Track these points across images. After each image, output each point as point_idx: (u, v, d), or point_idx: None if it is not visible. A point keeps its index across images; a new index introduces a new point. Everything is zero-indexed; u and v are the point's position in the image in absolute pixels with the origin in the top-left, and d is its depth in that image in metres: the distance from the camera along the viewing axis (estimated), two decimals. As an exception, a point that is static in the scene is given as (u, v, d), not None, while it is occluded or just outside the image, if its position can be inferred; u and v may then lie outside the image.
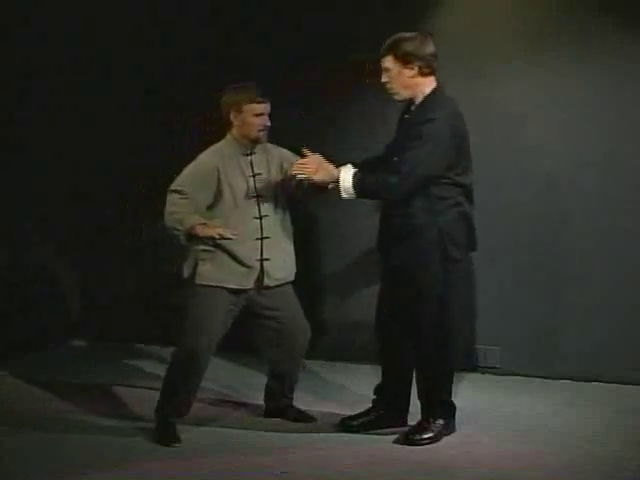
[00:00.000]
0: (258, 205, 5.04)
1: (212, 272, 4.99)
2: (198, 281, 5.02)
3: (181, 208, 4.94)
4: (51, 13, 6.52)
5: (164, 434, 4.94)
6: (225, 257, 4.99)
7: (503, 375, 6.09)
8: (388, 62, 4.88)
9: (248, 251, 5.00)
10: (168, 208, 4.97)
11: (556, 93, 5.98)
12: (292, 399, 5.32)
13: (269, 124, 5.08)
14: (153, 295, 6.73)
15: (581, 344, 5.97)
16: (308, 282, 5.70)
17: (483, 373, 6.15)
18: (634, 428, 5.16)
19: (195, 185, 4.98)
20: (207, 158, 5.08)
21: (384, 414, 5.13)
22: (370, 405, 5.18)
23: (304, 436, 5.04)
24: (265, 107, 5.06)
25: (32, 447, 4.85)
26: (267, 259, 5.03)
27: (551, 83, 5.98)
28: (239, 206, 5.01)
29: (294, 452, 4.81)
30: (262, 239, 5.03)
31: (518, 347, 6.09)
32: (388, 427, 5.09)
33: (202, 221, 4.92)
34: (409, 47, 4.84)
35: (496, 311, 6.12)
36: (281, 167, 5.13)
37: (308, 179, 4.90)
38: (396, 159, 4.81)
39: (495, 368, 6.13)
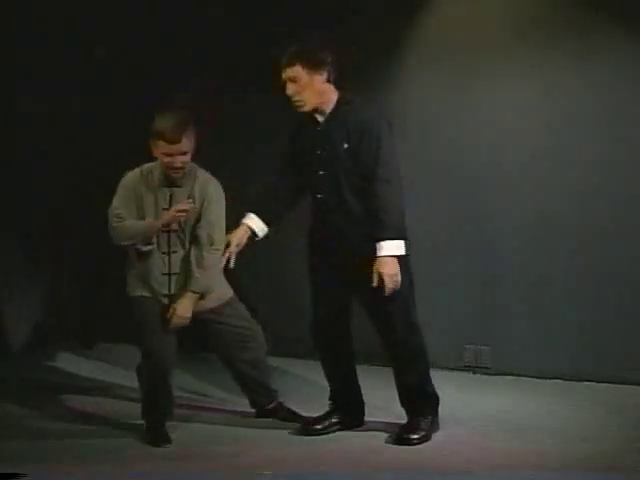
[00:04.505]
0: (169, 240, 4.94)
1: (141, 284, 4.98)
2: (132, 294, 5.04)
3: (124, 226, 4.87)
4: (51, 13, 6.57)
5: (154, 435, 4.97)
6: (143, 275, 4.99)
7: (494, 375, 6.13)
8: (296, 72, 4.79)
9: (156, 284, 4.97)
10: (112, 230, 4.89)
11: (556, 93, 6.01)
12: (277, 397, 5.34)
13: (180, 165, 4.80)
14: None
15: (572, 343, 6.00)
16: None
17: (474, 372, 6.20)
18: (626, 427, 5.18)
19: (126, 204, 4.91)
20: (131, 179, 4.97)
21: (345, 418, 5.15)
22: (329, 408, 5.20)
23: (294, 437, 5.06)
24: (174, 148, 4.74)
25: (26, 447, 4.89)
26: (173, 295, 4.98)
27: (550, 83, 6.00)
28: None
29: (285, 452, 4.82)
30: (170, 275, 4.96)
31: (509, 347, 6.13)
32: (348, 429, 5.14)
33: (150, 220, 4.88)
34: (317, 53, 4.83)
35: (487, 311, 6.17)
36: (200, 207, 4.94)
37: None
38: (378, 169, 4.77)
39: (486, 368, 6.18)
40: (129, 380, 5.96)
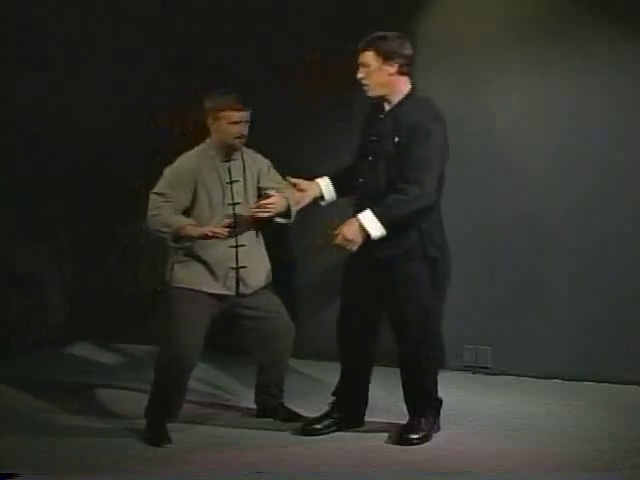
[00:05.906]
0: (234, 212, 5.06)
1: (188, 275, 5.03)
2: (174, 284, 5.06)
3: (165, 211, 4.98)
4: (51, 10, 6.57)
5: (155, 435, 4.97)
6: (200, 262, 5.03)
7: (494, 375, 6.12)
8: (368, 57, 4.89)
9: (223, 258, 5.04)
10: (151, 211, 5.01)
11: (556, 92, 6.00)
12: (282, 398, 5.36)
13: (246, 133, 5.06)
14: (150, 295, 6.76)
15: (572, 343, 5.99)
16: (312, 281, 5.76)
17: (474, 373, 6.18)
18: (625, 427, 5.19)
19: (175, 188, 5.01)
20: (186, 161, 5.11)
21: (344, 417, 5.15)
22: (329, 408, 5.19)
23: (294, 437, 5.06)
24: (243, 115, 5.02)
25: (25, 448, 4.88)
26: (243, 267, 5.07)
27: (550, 83, 5.99)
28: (214, 212, 5.04)
29: (285, 453, 4.83)
30: (237, 247, 5.06)
31: (509, 347, 6.12)
32: (347, 429, 5.14)
33: (190, 222, 4.97)
34: (391, 44, 4.89)
35: (487, 311, 6.15)
36: (257, 178, 5.16)
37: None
38: (412, 168, 4.80)
39: (486, 368, 6.16)
40: (130, 379, 6.00)
